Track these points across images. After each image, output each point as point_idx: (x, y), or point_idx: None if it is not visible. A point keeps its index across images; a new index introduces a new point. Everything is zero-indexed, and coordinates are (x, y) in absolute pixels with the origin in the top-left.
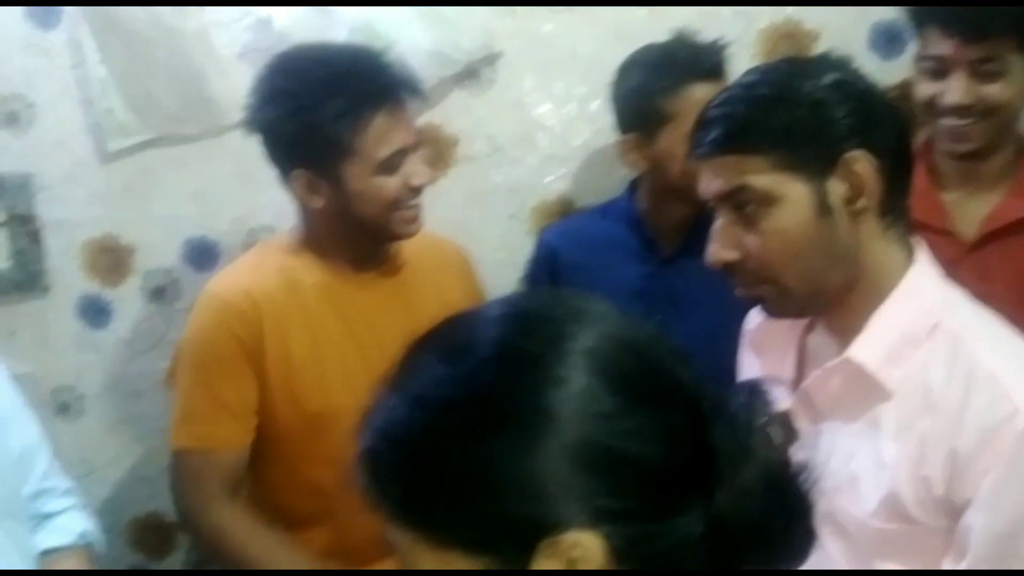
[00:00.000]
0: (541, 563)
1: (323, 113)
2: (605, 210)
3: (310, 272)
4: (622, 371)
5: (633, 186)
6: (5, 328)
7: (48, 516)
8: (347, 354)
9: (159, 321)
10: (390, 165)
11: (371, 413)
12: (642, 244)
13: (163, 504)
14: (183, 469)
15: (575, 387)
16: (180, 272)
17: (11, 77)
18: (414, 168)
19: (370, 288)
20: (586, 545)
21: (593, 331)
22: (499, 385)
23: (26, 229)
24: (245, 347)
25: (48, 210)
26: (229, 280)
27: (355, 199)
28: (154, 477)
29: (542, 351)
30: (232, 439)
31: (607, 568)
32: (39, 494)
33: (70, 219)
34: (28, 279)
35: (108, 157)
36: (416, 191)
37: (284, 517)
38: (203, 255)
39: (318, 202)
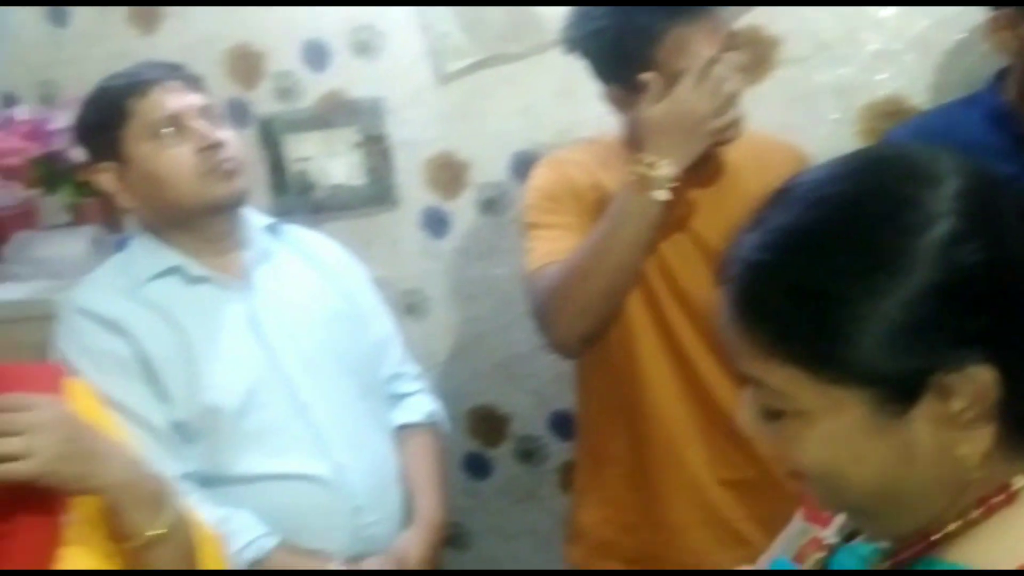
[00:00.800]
0: (930, 402)
1: (629, 27)
2: (963, 106)
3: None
4: (990, 211)
5: (1000, 76)
6: (362, 238)
7: (402, 396)
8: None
9: (490, 231)
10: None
11: (741, 254)
12: (1011, 143)
13: (497, 397)
14: (537, 283)
15: (947, 227)
16: (509, 184)
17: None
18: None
19: (690, 192)
20: (981, 379)
21: (961, 174)
22: (876, 222)
23: (378, 148)
24: (576, 191)
25: (396, 130)
26: (563, 151)
27: None
28: (488, 372)
29: (915, 191)
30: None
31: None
32: (394, 377)
33: (414, 138)
34: (381, 194)
35: (445, 78)
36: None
37: None
38: (529, 167)
39: (631, 114)
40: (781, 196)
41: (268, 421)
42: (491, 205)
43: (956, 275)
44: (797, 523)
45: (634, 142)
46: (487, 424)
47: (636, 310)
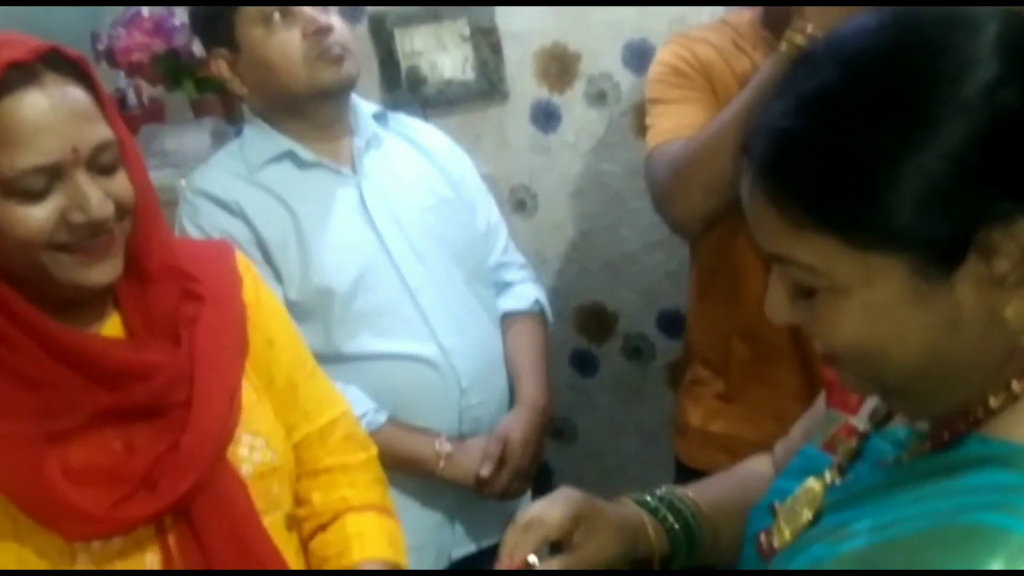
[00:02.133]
0: (974, 262)
1: None
2: None
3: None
4: None
5: None
6: (472, 133)
7: (508, 284)
8: None
9: (601, 125)
10: None
11: (768, 124)
12: None
13: (605, 295)
14: (659, 159)
15: (988, 73)
16: (620, 76)
17: None
18: None
19: None
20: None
21: (999, 18)
22: (911, 73)
23: (488, 41)
24: (705, 68)
25: (505, 22)
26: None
27: None
28: (596, 271)
29: (952, 39)
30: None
31: None
32: (501, 265)
33: (524, 29)
34: (490, 88)
35: None
36: None
37: None
38: (641, 58)
39: None
40: (806, 60)
41: (377, 303)
42: (601, 98)
43: (999, 122)
44: (820, 409)
45: (772, 22)
46: (595, 321)
47: None
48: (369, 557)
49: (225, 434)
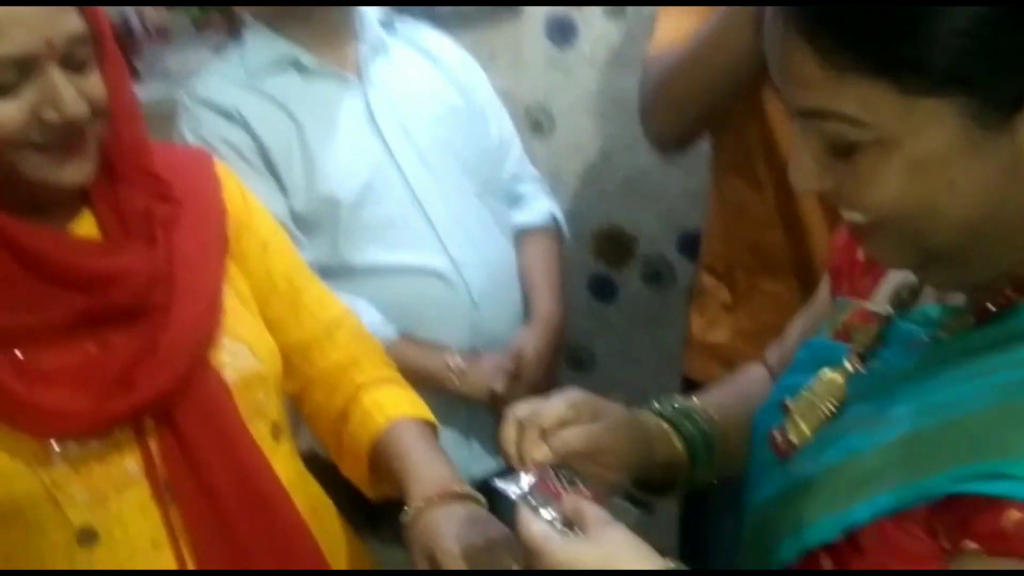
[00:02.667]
0: None
1: None
2: None
3: None
4: None
5: None
6: (487, 51)
7: (521, 197)
8: None
9: (619, 38)
10: None
11: None
12: None
13: (623, 218)
14: (646, 70)
15: None
16: None
17: None
18: None
19: None
20: None
21: None
22: None
23: None
24: None
25: None
26: None
27: None
28: (614, 192)
29: None
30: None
31: None
32: (513, 178)
33: None
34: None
35: None
36: None
37: None
38: None
39: None
40: None
41: (385, 214)
42: (619, 11)
43: None
44: (822, 301)
45: None
46: (613, 245)
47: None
48: (394, 417)
49: (205, 335)
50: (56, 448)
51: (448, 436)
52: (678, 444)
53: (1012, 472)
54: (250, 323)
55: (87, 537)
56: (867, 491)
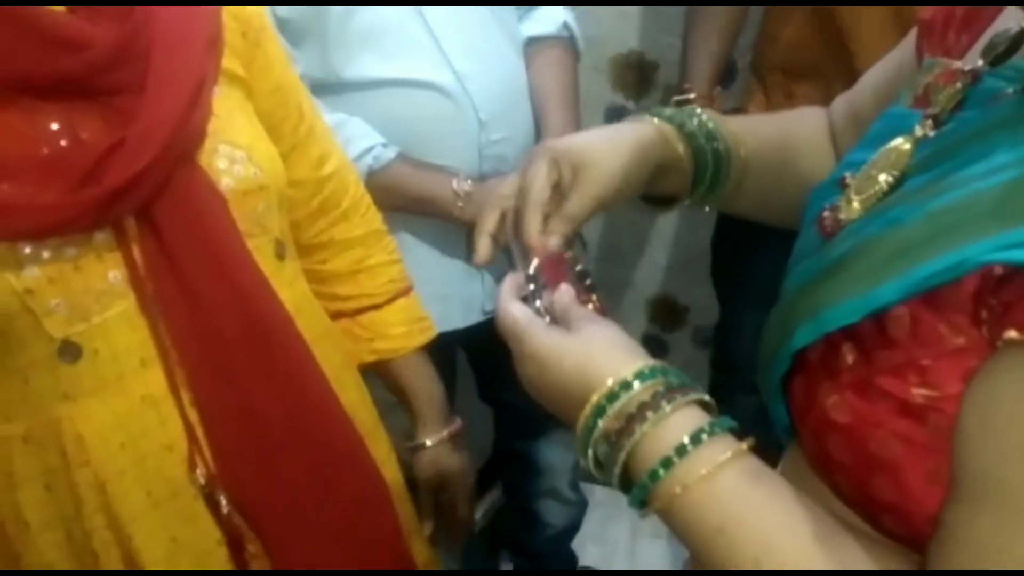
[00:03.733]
0: None
1: None
2: None
3: None
4: None
5: None
6: None
7: (532, 6)
8: None
9: None
10: None
11: None
12: None
13: (644, 44)
14: None
15: None
16: None
17: None
18: None
19: None
20: None
21: None
22: None
23: None
24: None
25: None
26: None
27: None
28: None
29: None
30: None
31: None
32: None
33: None
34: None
35: None
36: None
37: None
38: None
39: None
40: None
41: (379, 20)
42: None
43: None
44: (907, 57)
45: None
46: (636, 72)
47: None
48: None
49: (186, 127)
50: (27, 250)
51: (455, 267)
52: (679, 146)
53: None
54: (248, 129)
55: (69, 351)
56: (901, 265)
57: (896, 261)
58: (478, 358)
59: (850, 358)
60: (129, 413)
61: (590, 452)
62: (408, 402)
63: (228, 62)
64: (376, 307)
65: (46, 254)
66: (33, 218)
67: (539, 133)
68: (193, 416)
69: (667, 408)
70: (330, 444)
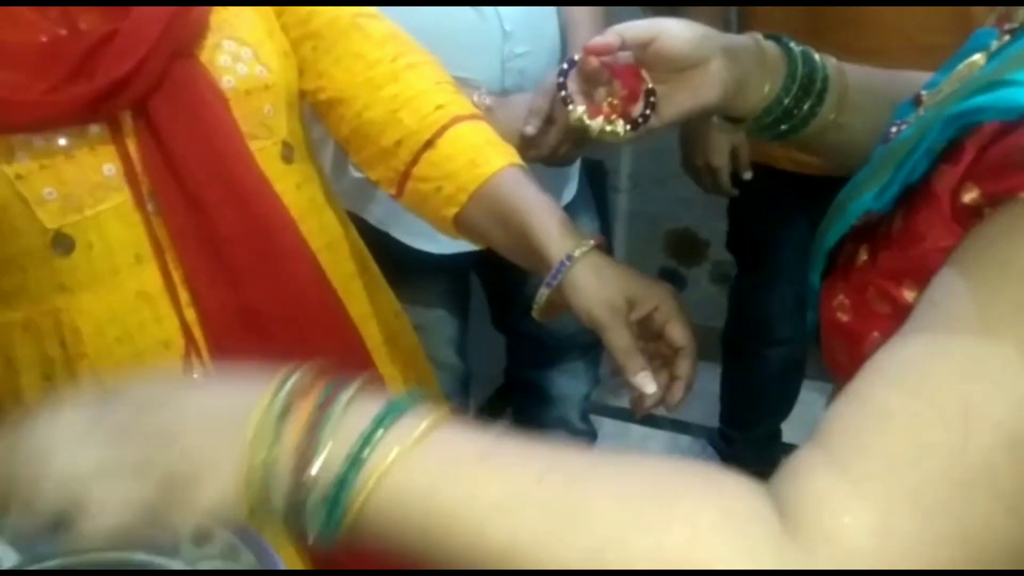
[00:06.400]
0: None
1: None
2: None
3: None
4: None
5: None
6: None
7: None
8: None
9: None
10: None
11: None
12: None
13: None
14: None
15: None
16: None
17: None
18: None
19: None
20: None
21: None
22: None
23: None
24: None
25: None
26: None
27: None
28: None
29: None
30: None
31: None
32: None
33: None
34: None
35: None
36: None
37: None
38: None
39: None
40: None
41: None
42: None
43: None
44: None
45: None
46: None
47: None
48: (507, 165)
49: (182, 21)
50: (18, 137)
51: None
52: (770, 44)
53: None
54: (256, 24)
55: (61, 243)
56: (907, 159)
57: (905, 156)
58: (493, 284)
59: (863, 257)
60: (124, 308)
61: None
62: (523, 225)
63: None
64: (429, 144)
65: (38, 142)
66: (24, 112)
67: (564, 51)
68: (190, 315)
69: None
70: (333, 350)
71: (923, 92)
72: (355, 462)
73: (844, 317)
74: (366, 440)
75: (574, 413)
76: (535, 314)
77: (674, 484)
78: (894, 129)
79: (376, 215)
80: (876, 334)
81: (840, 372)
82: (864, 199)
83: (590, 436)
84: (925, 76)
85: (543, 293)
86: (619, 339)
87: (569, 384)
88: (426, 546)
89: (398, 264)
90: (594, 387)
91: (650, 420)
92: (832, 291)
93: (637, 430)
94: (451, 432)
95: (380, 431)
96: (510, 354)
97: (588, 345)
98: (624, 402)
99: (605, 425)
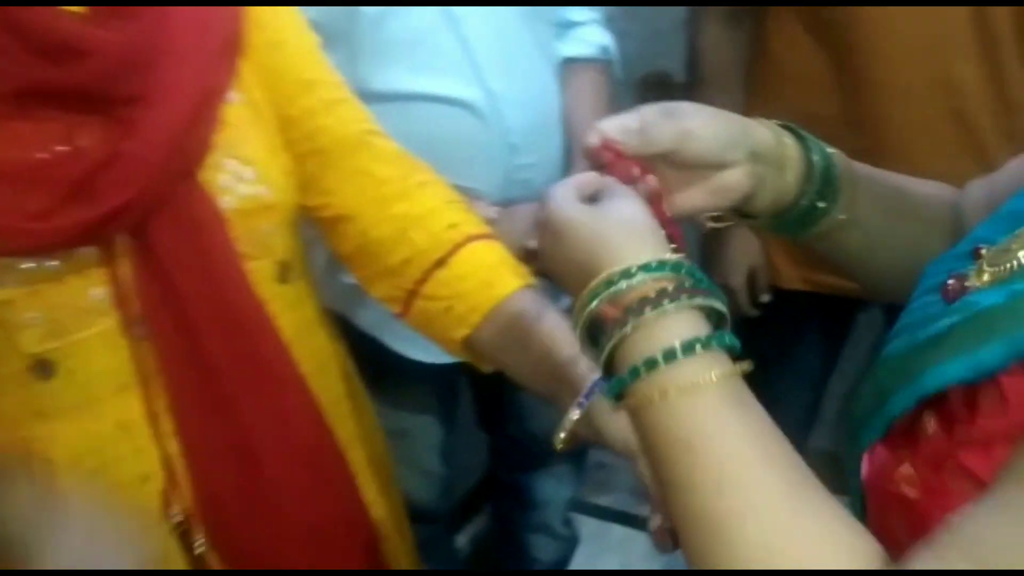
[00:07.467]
0: None
1: None
2: None
3: None
4: None
5: None
6: None
7: (571, 24)
8: None
9: None
10: None
11: None
12: None
13: (673, 65)
14: None
15: None
16: None
17: None
18: None
19: None
20: None
21: None
22: None
23: None
24: None
25: None
26: None
27: None
28: (668, 32)
29: None
30: None
31: None
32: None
33: None
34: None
35: None
36: None
37: None
38: None
39: None
40: None
41: (413, 30)
42: None
43: None
44: None
45: None
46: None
47: None
48: (522, 286)
49: (188, 143)
50: (4, 259)
51: None
52: (789, 141)
53: None
54: (260, 142)
55: (42, 368)
56: (1010, 330)
57: (1005, 326)
58: (482, 387)
59: (931, 428)
60: (102, 438)
61: (580, 331)
62: (545, 345)
63: (247, 74)
64: (440, 263)
65: (27, 265)
66: (17, 238)
67: (569, 161)
68: (172, 447)
69: (667, 307)
70: (318, 479)
71: (982, 247)
72: (649, 364)
73: (911, 492)
74: (668, 355)
75: (556, 518)
76: (558, 443)
77: None
78: (951, 282)
79: (367, 321)
80: (950, 515)
81: (890, 543)
82: (948, 370)
83: (571, 541)
84: (933, 187)
85: (573, 415)
86: None
87: (553, 488)
88: (659, 460)
89: (386, 370)
90: (578, 490)
91: (631, 520)
92: (894, 459)
93: (618, 531)
94: (733, 391)
95: (683, 354)
96: (494, 455)
97: (576, 450)
98: (606, 500)
99: (586, 526)
